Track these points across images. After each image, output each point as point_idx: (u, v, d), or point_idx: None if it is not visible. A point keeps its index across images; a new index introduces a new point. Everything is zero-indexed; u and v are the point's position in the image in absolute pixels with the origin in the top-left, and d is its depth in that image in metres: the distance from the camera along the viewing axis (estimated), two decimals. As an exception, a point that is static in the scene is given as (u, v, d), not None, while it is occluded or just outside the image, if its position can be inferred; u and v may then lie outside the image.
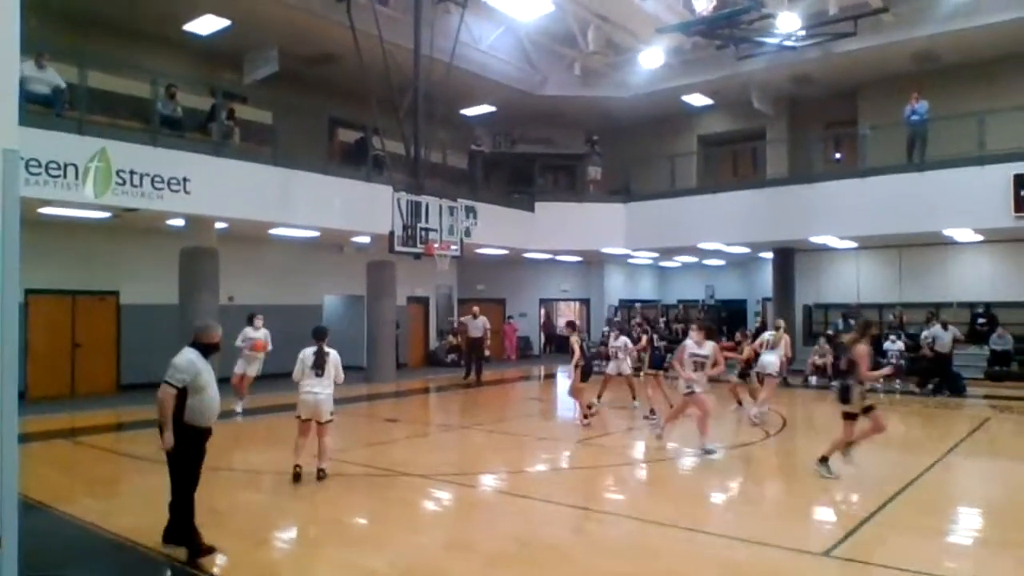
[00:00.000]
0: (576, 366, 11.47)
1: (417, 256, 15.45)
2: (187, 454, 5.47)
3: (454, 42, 16.04)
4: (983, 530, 6.56)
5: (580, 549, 5.76)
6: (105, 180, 11.72)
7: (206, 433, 5.59)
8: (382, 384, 16.92)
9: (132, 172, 12.06)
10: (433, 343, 23.23)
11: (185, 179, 12.74)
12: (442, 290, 23.82)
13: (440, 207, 15.58)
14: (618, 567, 5.35)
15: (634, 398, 13.26)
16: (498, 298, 24.74)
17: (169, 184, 12.53)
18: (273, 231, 15.89)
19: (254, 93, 17.44)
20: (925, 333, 15.71)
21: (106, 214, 13.15)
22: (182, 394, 5.38)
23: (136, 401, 13.81)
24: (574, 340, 11.64)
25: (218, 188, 13.31)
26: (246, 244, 16.89)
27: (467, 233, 16.56)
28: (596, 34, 18.14)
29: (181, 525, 5.48)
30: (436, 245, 15.40)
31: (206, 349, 5.66)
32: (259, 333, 12.42)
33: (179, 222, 14.11)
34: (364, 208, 15.60)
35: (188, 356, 5.50)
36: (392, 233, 14.62)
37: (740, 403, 12.73)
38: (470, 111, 22.28)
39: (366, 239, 17.19)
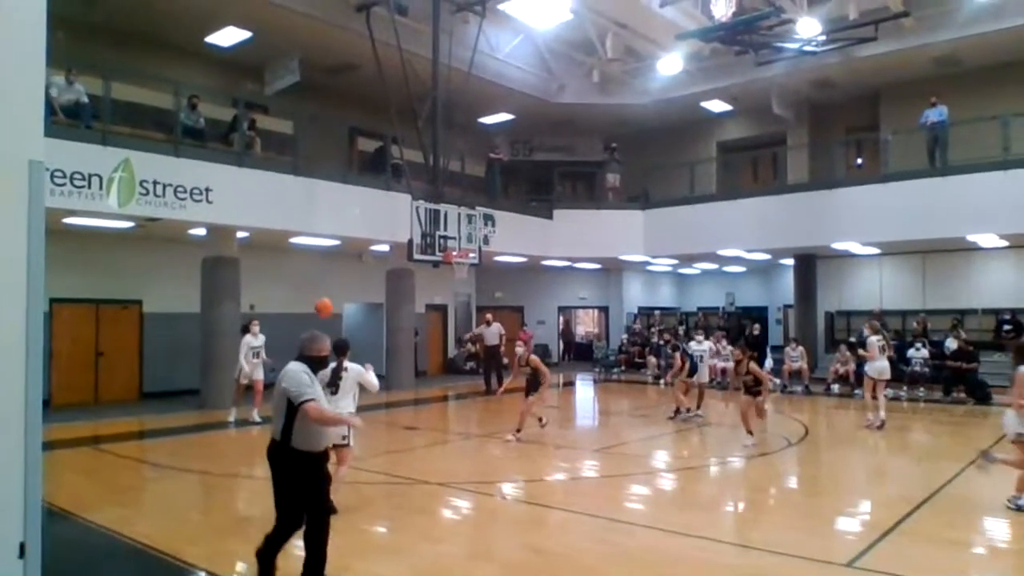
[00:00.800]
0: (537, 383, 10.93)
1: (436, 264, 15.51)
2: (307, 485, 4.74)
3: (472, 51, 16.11)
4: (1011, 541, 6.43)
5: (598, 559, 5.72)
6: (129, 190, 11.88)
7: (322, 457, 4.86)
8: (401, 392, 16.96)
9: (155, 182, 12.23)
10: (452, 351, 23.27)
11: (207, 189, 12.89)
12: (461, 298, 23.88)
13: (459, 215, 15.64)
14: (638, 577, 5.32)
15: (699, 406, 13.20)
16: (516, 306, 24.75)
17: (192, 194, 12.69)
18: (293, 240, 16.03)
19: (275, 103, 17.63)
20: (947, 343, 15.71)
21: (129, 224, 13.34)
22: (290, 415, 4.66)
23: (158, 409, 14.00)
24: (536, 360, 11.03)
25: (240, 198, 13.45)
26: (267, 253, 17.04)
27: (485, 241, 16.61)
28: (614, 41, 18.12)
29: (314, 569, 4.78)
30: (455, 253, 15.46)
31: (313, 363, 4.95)
32: (259, 340, 12.54)
33: (201, 231, 14.27)
34: (383, 217, 15.70)
35: (299, 371, 4.77)
36: (411, 241, 14.69)
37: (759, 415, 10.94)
38: (488, 119, 22.36)
39: (385, 247, 17.28)
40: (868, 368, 12.22)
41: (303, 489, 4.73)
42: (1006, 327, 17.48)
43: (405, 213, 14.82)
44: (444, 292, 22.45)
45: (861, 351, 12.84)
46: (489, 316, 18.27)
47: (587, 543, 6.16)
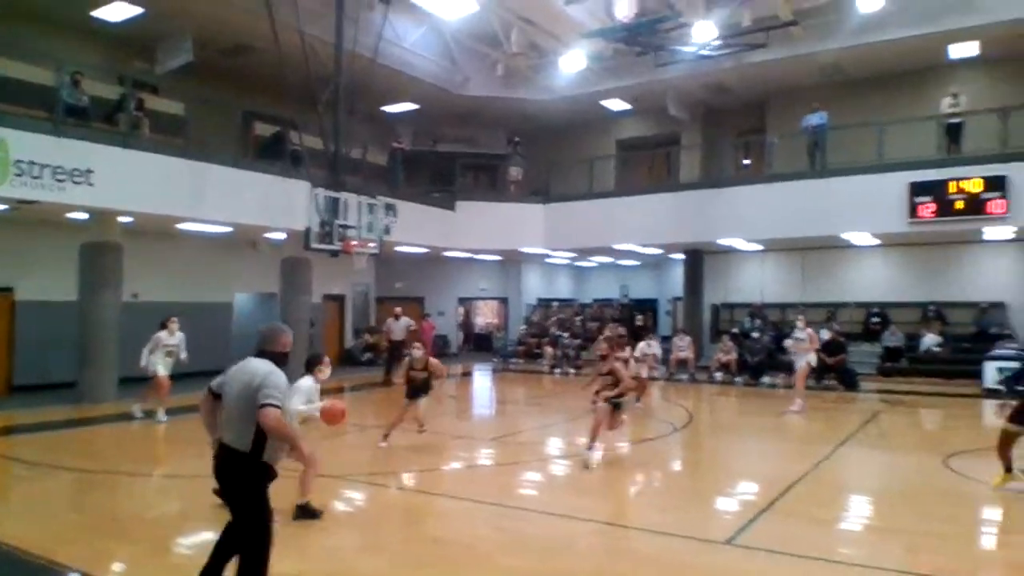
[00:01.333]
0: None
1: (334, 254, 15.19)
2: (263, 499, 4.23)
3: (377, 38, 15.85)
4: (873, 518, 6.99)
5: (495, 547, 5.83)
6: (1, 171, 11.09)
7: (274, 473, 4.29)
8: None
9: (32, 163, 11.43)
10: (349, 342, 22.93)
11: (89, 171, 12.16)
12: (359, 288, 23.53)
13: (359, 204, 15.36)
14: (532, 564, 5.46)
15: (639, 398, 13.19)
16: (417, 296, 24.62)
17: (72, 175, 11.95)
18: (182, 226, 15.36)
19: (166, 83, 16.76)
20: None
21: (2, 206, 12.45)
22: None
23: (30, 403, 13.15)
24: (436, 364, 9.89)
25: (125, 180, 12.75)
26: (153, 239, 16.27)
27: (386, 231, 16.38)
28: (519, 36, 18.27)
29: None
30: (354, 243, 15.19)
31: (278, 359, 4.31)
32: (175, 338, 11.85)
33: (82, 215, 13.48)
34: (280, 203, 15.26)
35: (276, 373, 4.16)
36: (308, 230, 14.36)
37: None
38: (392, 108, 22.08)
39: (281, 235, 16.82)
40: (811, 359, 12.98)
41: (259, 503, 4.21)
42: (874, 320, 18.84)
43: (303, 201, 14.45)
44: (342, 282, 22.05)
45: (792, 343, 13.33)
46: (398, 310, 18.08)
47: (484, 530, 6.28)
